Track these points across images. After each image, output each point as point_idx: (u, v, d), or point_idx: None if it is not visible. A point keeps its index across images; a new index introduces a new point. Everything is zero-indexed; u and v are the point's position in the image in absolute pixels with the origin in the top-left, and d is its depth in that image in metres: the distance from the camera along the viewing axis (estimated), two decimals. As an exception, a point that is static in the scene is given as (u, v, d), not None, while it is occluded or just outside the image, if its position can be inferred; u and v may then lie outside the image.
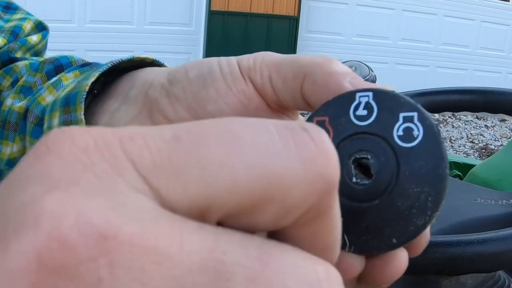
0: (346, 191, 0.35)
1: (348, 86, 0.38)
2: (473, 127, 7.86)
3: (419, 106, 0.35)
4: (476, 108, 1.16)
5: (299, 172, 0.21)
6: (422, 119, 0.34)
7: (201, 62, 0.45)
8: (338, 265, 0.32)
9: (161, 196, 0.21)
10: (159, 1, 7.61)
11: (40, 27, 0.81)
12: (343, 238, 0.34)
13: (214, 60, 0.45)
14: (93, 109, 0.50)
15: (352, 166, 0.35)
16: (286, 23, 7.91)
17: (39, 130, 0.54)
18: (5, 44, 0.73)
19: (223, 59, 0.45)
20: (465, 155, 6.87)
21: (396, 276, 0.35)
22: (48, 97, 0.57)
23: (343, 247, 0.35)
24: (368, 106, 0.36)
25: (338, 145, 0.36)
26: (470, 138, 7.51)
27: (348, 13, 8.37)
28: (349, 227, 0.34)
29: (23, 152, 0.57)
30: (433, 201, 0.33)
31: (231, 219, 0.22)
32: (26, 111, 0.58)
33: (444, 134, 7.55)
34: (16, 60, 0.71)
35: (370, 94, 0.36)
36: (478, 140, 7.45)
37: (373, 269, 0.36)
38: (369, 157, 0.35)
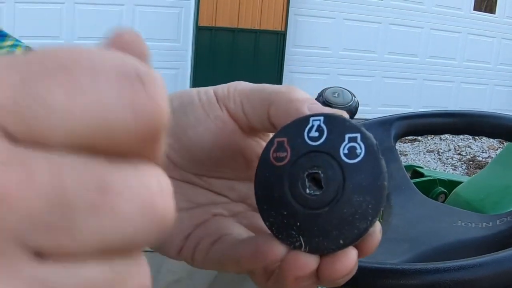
0: (301, 201, 0.41)
1: (307, 111, 0.43)
2: (461, 139, 7.90)
3: (362, 128, 0.40)
4: (457, 130, 1.18)
5: (130, 123, 0.24)
6: (364, 139, 0.40)
7: (182, 93, 0.51)
8: (296, 263, 0.39)
9: (9, 132, 0.23)
10: (147, 17, 7.64)
11: None
12: (299, 240, 0.41)
13: (194, 90, 0.50)
14: None
15: (306, 180, 0.41)
16: (273, 38, 7.94)
17: None
18: None
19: (201, 89, 0.50)
20: (452, 167, 6.89)
21: (346, 271, 0.41)
22: None
23: (299, 247, 0.41)
24: (319, 129, 0.41)
25: (295, 162, 0.41)
26: (458, 150, 7.53)
27: (335, 28, 8.41)
28: (303, 231, 0.40)
29: None
30: (373, 208, 0.39)
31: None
32: None
33: (431, 146, 7.58)
34: None
35: (322, 118, 0.41)
36: (466, 152, 7.47)
37: (326, 266, 0.41)
38: (320, 171, 0.40)
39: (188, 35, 7.87)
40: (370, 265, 0.75)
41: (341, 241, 0.39)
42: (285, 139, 0.42)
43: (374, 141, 0.40)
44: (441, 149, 7.52)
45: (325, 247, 0.40)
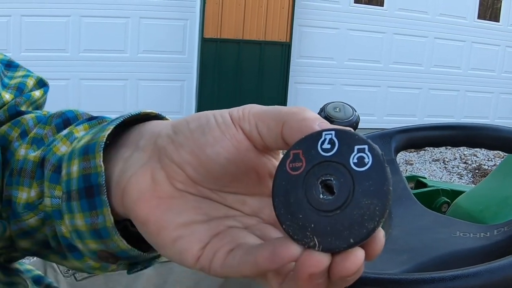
0: (315, 205, 0.45)
1: (318, 128, 0.48)
2: (466, 148, 7.88)
3: (369, 140, 0.45)
4: (457, 143, 1.20)
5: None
6: (371, 150, 0.44)
7: (199, 115, 0.55)
8: (311, 261, 0.44)
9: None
10: (152, 30, 7.68)
11: (41, 84, 0.88)
12: (313, 240, 0.44)
13: (210, 113, 0.54)
14: (107, 157, 0.59)
15: (320, 186, 0.45)
16: (278, 49, 7.97)
17: (56, 176, 0.63)
18: (13, 99, 0.81)
19: (217, 112, 0.54)
20: (458, 176, 6.88)
21: (355, 269, 0.45)
22: (62, 148, 0.66)
23: (313, 247, 0.44)
24: (331, 142, 0.46)
25: (309, 170, 0.46)
26: (464, 159, 7.52)
27: (339, 38, 8.45)
28: (317, 231, 0.45)
29: (40, 196, 0.66)
30: (380, 210, 0.43)
31: None
32: (42, 160, 0.67)
33: (437, 155, 7.57)
34: (22, 113, 0.79)
35: (333, 132, 0.46)
36: (472, 161, 7.46)
37: (337, 264, 0.45)
38: (332, 179, 0.45)
39: (193, 47, 7.91)
40: (369, 275, 0.77)
41: (351, 240, 0.43)
42: (300, 151, 0.47)
43: (380, 151, 0.45)
44: (446, 158, 7.51)
45: (336, 246, 0.44)
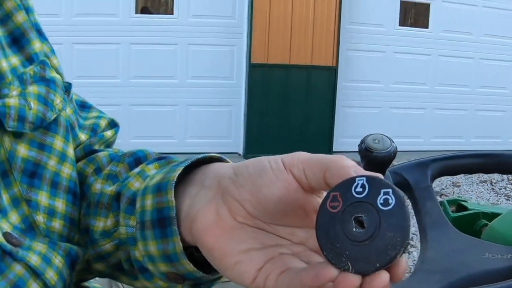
0: (349, 236, 0.54)
1: (353, 174, 0.58)
2: (514, 169, 7.76)
3: (393, 185, 0.54)
4: (488, 170, 1.28)
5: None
6: (394, 193, 0.54)
7: (256, 161, 0.65)
8: (345, 281, 0.54)
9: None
10: (200, 56, 7.83)
11: (113, 124, 0.99)
12: (347, 264, 0.54)
13: (265, 159, 0.65)
14: (176, 193, 0.70)
15: (353, 221, 0.55)
16: (325, 74, 8.05)
17: (131, 208, 0.74)
18: (87, 139, 0.92)
19: (272, 158, 0.65)
20: (506, 198, 6.82)
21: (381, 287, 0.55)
22: (135, 183, 0.77)
23: (347, 270, 0.54)
24: (363, 186, 0.55)
25: (345, 209, 0.55)
26: (511, 180, 7.46)
27: (385, 61, 8.50)
28: (351, 257, 0.54)
29: (115, 225, 0.77)
30: (401, 241, 0.53)
31: None
32: (118, 194, 0.78)
33: (484, 176, 7.48)
34: (96, 151, 0.90)
35: (364, 178, 0.56)
36: (519, 182, 7.40)
37: (366, 284, 0.54)
38: (363, 216, 0.55)
39: (241, 73, 8.03)
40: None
41: (378, 264, 0.53)
42: (338, 193, 0.56)
43: (402, 193, 0.54)
44: (494, 179, 7.43)
45: (366, 269, 0.53)
